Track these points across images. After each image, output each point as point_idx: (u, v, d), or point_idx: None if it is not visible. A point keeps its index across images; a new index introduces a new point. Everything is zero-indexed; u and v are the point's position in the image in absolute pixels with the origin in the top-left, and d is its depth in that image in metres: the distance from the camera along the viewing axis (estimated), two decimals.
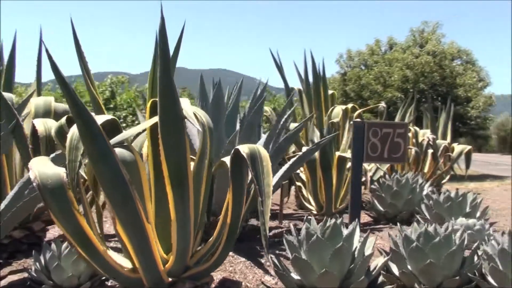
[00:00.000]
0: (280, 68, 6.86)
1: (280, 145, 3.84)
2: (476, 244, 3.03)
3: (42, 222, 3.57)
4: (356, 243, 2.71)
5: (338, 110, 6.96)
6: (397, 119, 8.10)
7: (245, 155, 2.17)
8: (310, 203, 5.43)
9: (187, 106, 2.15)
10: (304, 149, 4.45)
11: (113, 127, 2.28)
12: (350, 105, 7.37)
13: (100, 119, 2.19)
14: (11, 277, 2.95)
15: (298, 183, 5.68)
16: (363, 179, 5.55)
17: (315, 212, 5.31)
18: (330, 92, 7.28)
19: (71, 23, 2.31)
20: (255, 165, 2.17)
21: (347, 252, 2.59)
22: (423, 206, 4.99)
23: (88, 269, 2.76)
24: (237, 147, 2.24)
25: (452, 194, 4.76)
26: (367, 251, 2.72)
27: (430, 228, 2.97)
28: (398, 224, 3.26)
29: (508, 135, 45.79)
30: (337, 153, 5.27)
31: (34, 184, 2.02)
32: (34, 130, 3.03)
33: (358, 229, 2.76)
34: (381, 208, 5.44)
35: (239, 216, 2.39)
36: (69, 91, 1.84)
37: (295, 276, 2.69)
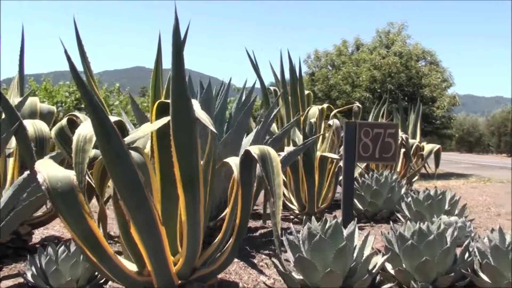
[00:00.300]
0: (256, 68, 6.87)
1: (269, 145, 3.85)
2: (467, 241, 3.11)
3: (28, 225, 3.48)
4: (356, 242, 2.75)
5: (314, 110, 7.02)
6: (370, 119, 8.23)
7: (256, 156, 2.18)
8: (292, 203, 5.46)
9: (198, 108, 2.14)
10: (289, 149, 4.47)
11: (119, 129, 2.24)
12: (325, 105, 7.45)
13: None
14: (5, 283, 2.87)
15: None
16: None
17: (297, 212, 5.35)
18: (306, 92, 7.33)
19: (74, 23, 2.26)
20: (266, 166, 2.17)
21: (350, 251, 2.63)
22: (403, 204, 5.09)
23: (86, 272, 2.71)
24: (247, 148, 2.24)
25: (432, 192, 4.87)
26: (367, 250, 2.76)
27: (423, 226, 3.03)
28: (391, 223, 3.32)
29: (465, 134, 47.12)
30: (319, 153, 5.32)
31: (43, 187, 1.97)
32: None
33: (357, 229, 2.79)
34: (361, 207, 5.52)
35: (248, 217, 2.39)
36: (87, 92, 1.80)
37: (297, 276, 2.71)
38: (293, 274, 2.72)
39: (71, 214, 2.00)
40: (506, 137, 43.66)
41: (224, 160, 2.56)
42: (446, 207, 4.80)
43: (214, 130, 2.09)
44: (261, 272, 3.29)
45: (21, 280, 2.85)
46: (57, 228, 4.57)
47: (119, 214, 2.31)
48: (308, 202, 5.22)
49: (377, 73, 13.83)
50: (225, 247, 2.44)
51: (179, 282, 2.25)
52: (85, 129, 2.22)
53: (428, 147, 8.88)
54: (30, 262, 2.73)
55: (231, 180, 2.85)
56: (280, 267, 2.75)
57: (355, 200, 5.55)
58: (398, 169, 8.19)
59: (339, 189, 5.80)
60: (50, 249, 2.73)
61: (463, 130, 46.12)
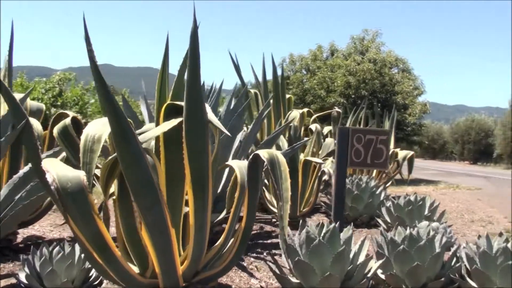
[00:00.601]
0: (238, 70, 6.91)
1: (261, 148, 3.88)
2: (455, 247, 3.20)
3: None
4: (353, 246, 2.79)
5: (295, 114, 7.09)
6: (348, 125, 8.34)
7: (265, 160, 2.20)
8: (274, 206, 5.49)
9: (210, 111, 2.14)
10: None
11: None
12: (305, 109, 7.53)
13: None
14: None
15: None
16: (329, 181, 5.68)
17: None
18: (287, 96, 7.39)
19: (83, 20, 2.23)
20: (274, 170, 2.19)
21: (347, 255, 2.67)
22: (383, 210, 5.18)
23: (81, 273, 2.68)
24: (256, 152, 2.26)
25: (412, 198, 4.98)
26: (363, 254, 2.81)
27: (414, 232, 3.10)
28: (381, 228, 3.38)
29: (430, 141, 48.07)
30: (302, 157, 5.38)
31: (52, 187, 1.95)
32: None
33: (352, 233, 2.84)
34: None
35: (253, 220, 2.41)
36: (108, 93, 1.79)
37: (294, 279, 2.73)
38: (290, 277, 2.75)
39: (81, 214, 1.98)
40: (469, 145, 44.74)
41: (227, 163, 2.56)
42: (426, 212, 4.92)
43: (228, 133, 2.11)
44: (251, 275, 3.30)
45: (13, 280, 2.80)
46: (38, 227, 4.49)
47: (123, 215, 2.30)
48: (291, 206, 5.25)
49: (352, 79, 14.02)
50: (229, 250, 2.45)
51: (184, 284, 2.25)
52: (93, 129, 2.21)
53: (402, 153, 9.05)
54: (24, 262, 2.68)
55: (230, 181, 2.87)
56: (277, 270, 2.78)
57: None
58: (373, 174, 8.34)
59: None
60: (44, 250, 2.68)
61: (428, 137, 47.06)
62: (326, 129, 7.81)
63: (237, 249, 2.43)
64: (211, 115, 2.15)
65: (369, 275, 2.75)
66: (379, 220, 5.25)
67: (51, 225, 4.72)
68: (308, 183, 5.47)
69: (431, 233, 3.14)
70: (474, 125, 45.08)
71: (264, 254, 3.85)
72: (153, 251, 2.08)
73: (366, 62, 14.49)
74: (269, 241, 4.42)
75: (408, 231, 3.12)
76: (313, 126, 6.72)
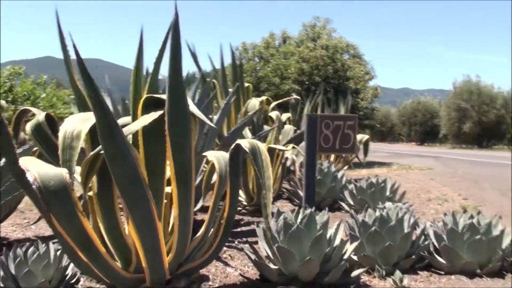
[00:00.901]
0: (196, 59, 6.86)
1: (228, 138, 3.90)
2: (423, 225, 3.33)
3: None
4: (330, 230, 2.86)
5: (255, 103, 7.12)
6: (306, 111, 8.46)
7: (247, 150, 2.22)
8: (239, 195, 5.53)
9: (191, 103, 2.14)
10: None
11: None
12: (264, 98, 7.57)
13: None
14: None
15: None
16: (292, 168, 5.76)
17: (245, 203, 5.42)
18: (246, 84, 7.40)
19: (56, 14, 2.19)
20: (256, 159, 2.22)
21: (325, 239, 2.73)
22: (346, 193, 5.32)
23: (57, 273, 2.63)
24: (238, 141, 2.28)
25: (374, 180, 5.13)
26: (338, 237, 2.89)
27: (384, 213, 3.21)
28: (352, 211, 3.47)
29: (379, 124, 49.16)
30: (265, 145, 5.42)
31: (34, 186, 1.91)
32: None
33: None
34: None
35: (235, 210, 2.43)
36: (94, 88, 1.76)
37: (273, 266, 2.78)
38: (269, 264, 2.80)
39: (65, 212, 1.95)
40: (416, 127, 46.12)
41: (204, 153, 2.57)
42: (388, 194, 5.08)
43: (212, 125, 2.11)
44: (226, 264, 3.33)
45: None
46: None
47: (104, 212, 2.28)
48: (256, 193, 5.30)
49: (305, 66, 14.18)
50: (210, 240, 2.46)
51: (169, 277, 2.26)
52: (71, 125, 2.17)
53: (358, 137, 9.26)
54: None
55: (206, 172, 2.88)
56: (256, 258, 2.81)
57: (299, 190, 5.73)
58: (332, 159, 8.51)
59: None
60: (18, 250, 2.62)
61: (377, 120, 48.13)
62: (285, 116, 7.89)
63: (220, 239, 2.46)
64: (193, 107, 2.15)
65: (345, 257, 2.83)
66: (343, 204, 5.38)
67: (12, 225, 4.58)
68: (272, 171, 5.53)
69: (400, 214, 3.26)
70: (420, 107, 46.47)
71: (236, 242, 3.88)
72: (140, 246, 2.08)
73: (318, 48, 14.68)
74: (238, 229, 4.45)
75: (378, 213, 3.23)
76: (273, 114, 6.77)
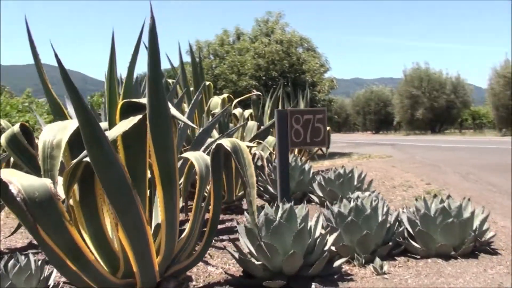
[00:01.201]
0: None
1: (199, 138, 3.91)
2: (396, 212, 3.44)
3: None
4: (310, 223, 2.92)
5: (216, 101, 7.14)
6: (267, 107, 8.51)
7: (229, 149, 2.24)
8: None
9: (171, 105, 2.14)
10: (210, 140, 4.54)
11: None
12: (225, 95, 7.59)
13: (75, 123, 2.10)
14: None
15: None
16: (259, 163, 5.79)
17: None
18: (206, 83, 7.40)
19: (26, 22, 2.15)
20: (238, 158, 2.25)
21: (307, 232, 2.79)
22: (315, 185, 5.40)
23: (40, 283, 2.59)
24: (219, 141, 2.30)
25: (341, 171, 5.24)
26: (318, 230, 2.95)
27: (358, 203, 3.29)
28: (327, 203, 3.54)
29: (334, 114, 49.86)
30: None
31: (18, 198, 1.87)
32: None
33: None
34: (273, 191, 5.74)
35: (220, 210, 2.45)
36: (78, 96, 1.74)
37: (256, 261, 2.81)
38: (253, 259, 2.83)
39: (52, 224, 1.92)
40: (370, 116, 47.10)
41: (183, 155, 2.58)
42: (356, 183, 5.19)
43: (194, 125, 2.13)
44: (207, 263, 3.34)
45: None
46: None
47: (88, 219, 2.26)
48: (226, 191, 5.32)
49: (262, 61, 14.26)
50: (193, 241, 2.47)
51: (159, 279, 2.26)
52: (50, 134, 2.14)
53: None
54: None
55: (184, 173, 2.89)
56: (238, 255, 2.84)
57: (268, 186, 5.78)
58: (296, 152, 8.60)
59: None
60: (0, 264, 2.56)
61: (333, 112, 48.88)
62: (247, 112, 7.92)
63: (206, 240, 2.47)
64: (173, 110, 2.15)
65: (326, 248, 2.89)
66: (312, 196, 5.47)
67: None
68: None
69: (373, 203, 3.35)
70: (373, 97, 47.50)
71: (213, 241, 3.90)
72: (131, 250, 2.07)
73: (273, 43, 14.77)
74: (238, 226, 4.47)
75: (353, 203, 3.31)
76: (236, 111, 6.80)
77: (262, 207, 2.92)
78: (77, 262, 2.04)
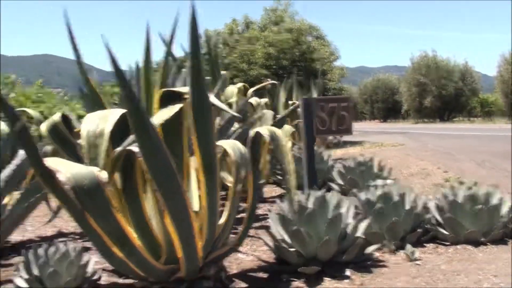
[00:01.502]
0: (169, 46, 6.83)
1: (224, 127, 3.94)
2: (423, 199, 3.46)
3: None
4: (342, 210, 2.95)
5: (232, 90, 7.14)
6: (281, 95, 8.53)
7: (267, 137, 2.27)
8: (227, 180, 5.56)
9: (211, 95, 2.18)
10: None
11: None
12: (241, 84, 7.60)
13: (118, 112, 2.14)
14: None
15: None
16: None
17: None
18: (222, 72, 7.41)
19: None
20: (276, 145, 2.28)
21: (340, 219, 2.82)
22: (335, 174, 5.43)
23: (80, 270, 2.64)
24: (257, 129, 2.32)
25: (361, 159, 5.26)
26: (350, 217, 2.98)
27: (387, 190, 3.32)
28: (355, 190, 3.57)
29: None
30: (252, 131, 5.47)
31: (68, 186, 1.91)
32: None
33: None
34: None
35: (257, 196, 2.48)
36: (126, 86, 1.77)
37: (291, 248, 2.85)
38: (287, 247, 2.86)
39: (100, 211, 1.97)
40: (378, 104, 46.99)
41: (218, 143, 2.61)
42: (375, 171, 5.21)
43: (236, 114, 2.16)
44: (236, 250, 3.39)
45: (8, 286, 2.71)
46: None
47: (131, 207, 2.30)
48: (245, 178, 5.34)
49: (272, 50, 14.26)
50: (229, 227, 2.52)
51: (201, 265, 2.30)
52: (92, 124, 2.18)
53: None
54: (18, 266, 2.60)
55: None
56: (274, 242, 2.88)
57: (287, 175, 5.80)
58: None
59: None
60: (40, 251, 2.61)
61: None
62: (263, 101, 7.94)
63: (246, 225, 2.51)
64: (213, 99, 2.18)
65: (357, 234, 2.92)
66: (332, 184, 5.49)
67: None
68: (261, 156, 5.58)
69: (401, 190, 3.38)
70: (380, 85, 47.34)
71: (239, 229, 3.94)
72: (177, 236, 2.11)
73: (283, 32, 14.75)
74: (238, 215, 4.51)
75: (381, 191, 3.34)
76: (253, 100, 6.80)
77: (281, 196, 2.96)
78: (123, 249, 2.08)
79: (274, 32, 14.80)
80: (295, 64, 14.50)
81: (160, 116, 2.17)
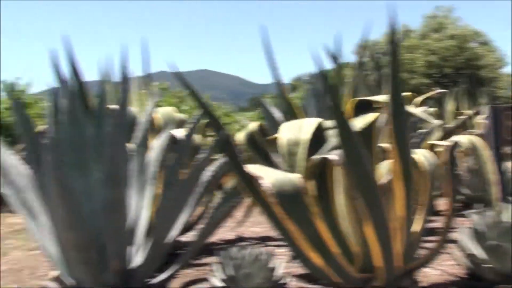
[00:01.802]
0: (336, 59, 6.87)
1: None
2: None
3: None
4: None
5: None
6: (449, 105, 8.15)
7: (466, 146, 2.21)
8: None
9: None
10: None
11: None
12: (409, 93, 7.40)
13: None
14: None
15: None
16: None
17: None
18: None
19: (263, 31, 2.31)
20: (477, 154, 2.20)
21: None
22: None
23: (268, 273, 2.75)
24: (454, 139, 2.28)
25: None
26: None
27: None
28: None
29: None
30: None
31: (272, 192, 2.03)
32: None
33: None
34: (466, 191, 5.47)
35: (453, 207, 2.44)
36: (335, 98, 1.85)
37: (485, 264, 2.70)
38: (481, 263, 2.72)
39: (300, 216, 2.06)
40: None
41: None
42: None
43: (433, 122, 2.13)
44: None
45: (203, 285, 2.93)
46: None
47: (325, 214, 2.36)
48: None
49: (434, 58, 13.70)
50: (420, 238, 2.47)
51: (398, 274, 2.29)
52: (290, 133, 2.30)
53: None
54: (214, 267, 2.79)
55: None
56: (468, 257, 2.75)
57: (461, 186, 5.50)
58: None
59: None
60: (234, 253, 2.78)
61: None
62: (431, 110, 7.67)
63: (442, 238, 2.45)
64: (409, 107, 2.17)
65: None
66: None
67: None
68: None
69: None
70: None
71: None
72: (377, 245, 2.12)
73: (445, 39, 14.10)
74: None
75: None
76: (421, 109, 6.59)
77: (455, 209, 2.81)
78: (322, 254, 2.14)
79: (435, 40, 14.19)
80: (459, 71, 13.75)
81: (356, 124, 2.22)
